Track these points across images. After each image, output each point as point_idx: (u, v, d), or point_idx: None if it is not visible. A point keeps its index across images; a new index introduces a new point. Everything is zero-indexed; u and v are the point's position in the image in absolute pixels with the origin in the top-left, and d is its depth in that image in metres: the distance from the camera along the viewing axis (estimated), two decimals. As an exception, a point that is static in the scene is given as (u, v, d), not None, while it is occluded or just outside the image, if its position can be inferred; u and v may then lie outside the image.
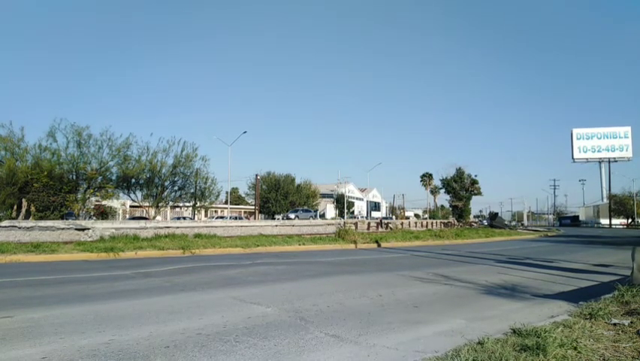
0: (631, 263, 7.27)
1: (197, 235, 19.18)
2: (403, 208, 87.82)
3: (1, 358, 3.83)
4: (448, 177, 51.41)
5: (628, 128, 79.11)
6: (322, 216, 69.87)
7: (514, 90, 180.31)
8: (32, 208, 21.05)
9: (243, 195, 76.59)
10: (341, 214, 66.75)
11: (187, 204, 31.57)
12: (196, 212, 35.06)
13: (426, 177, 76.34)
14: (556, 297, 7.11)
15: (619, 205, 70.32)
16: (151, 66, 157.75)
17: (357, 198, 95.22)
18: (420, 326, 5.13)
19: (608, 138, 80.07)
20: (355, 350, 4.15)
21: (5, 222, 16.77)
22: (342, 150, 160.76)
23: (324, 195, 73.87)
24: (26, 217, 20.59)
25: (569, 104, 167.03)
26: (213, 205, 37.65)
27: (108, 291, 7.35)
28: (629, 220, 69.73)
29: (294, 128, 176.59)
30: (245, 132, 41.49)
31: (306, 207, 51.36)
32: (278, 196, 53.18)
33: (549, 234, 36.55)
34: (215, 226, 22.77)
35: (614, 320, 4.91)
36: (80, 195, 23.65)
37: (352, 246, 18.90)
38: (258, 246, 16.44)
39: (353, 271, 10.61)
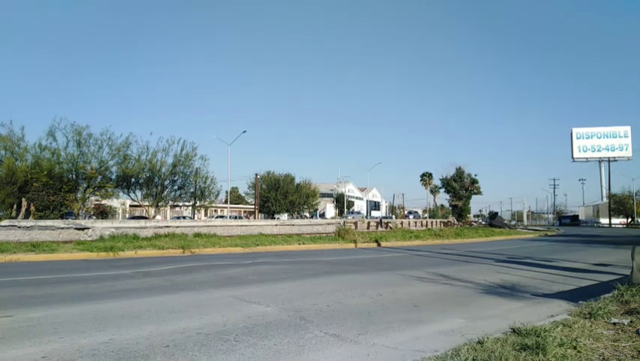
0: (630, 262, 7.26)
1: (197, 235, 19.16)
2: (403, 208, 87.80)
3: (1, 357, 3.83)
4: (448, 177, 51.37)
5: (628, 128, 79.16)
6: (322, 215, 69.92)
7: (514, 89, 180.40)
8: (32, 208, 21.05)
9: (243, 195, 76.57)
10: (341, 214, 66.82)
11: (187, 203, 31.59)
12: (196, 211, 35.10)
13: (426, 177, 76.33)
14: (556, 296, 7.11)
15: (619, 205, 70.25)
16: (151, 66, 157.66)
17: (357, 198, 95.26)
18: (420, 325, 5.13)
19: (607, 137, 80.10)
20: (355, 349, 4.15)
21: (5, 222, 16.77)
22: (342, 149, 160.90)
23: (323, 195, 73.81)
24: (26, 217, 20.58)
25: (569, 104, 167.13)
26: (213, 205, 37.65)
27: (108, 290, 7.35)
28: (629, 220, 69.69)
29: (293, 127, 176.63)
30: (244, 132, 41.51)
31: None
32: (278, 196, 53.15)
33: (549, 233, 36.54)
34: (215, 226, 22.77)
35: (614, 320, 4.91)
36: (79, 195, 23.67)
37: (352, 245, 18.91)
38: (257, 245, 16.43)
39: (353, 270, 10.61)
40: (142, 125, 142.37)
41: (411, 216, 61.98)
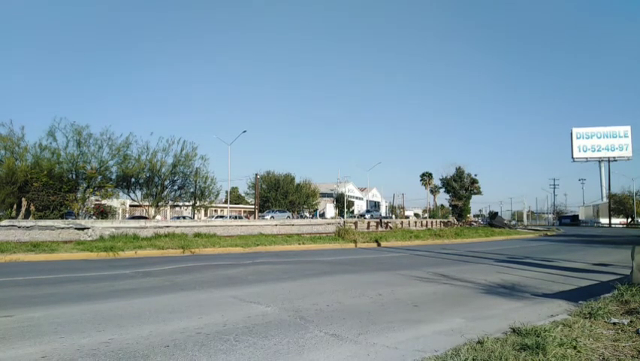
0: (630, 262, 7.26)
1: (197, 235, 19.17)
2: (403, 208, 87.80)
3: (1, 357, 3.83)
4: (448, 177, 51.39)
5: (628, 128, 79.28)
6: (322, 215, 69.91)
7: (514, 89, 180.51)
8: (32, 208, 21.05)
9: (243, 195, 76.60)
10: (341, 213, 66.78)
11: (187, 203, 31.56)
12: (196, 211, 35.04)
13: (426, 177, 76.44)
14: (556, 296, 7.11)
15: (618, 204, 70.26)
16: (151, 66, 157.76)
17: (356, 198, 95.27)
18: (420, 325, 5.13)
19: (607, 137, 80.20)
20: (355, 349, 4.15)
21: (5, 222, 16.77)
22: (342, 149, 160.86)
23: (323, 195, 73.88)
24: (26, 217, 20.58)
25: (569, 104, 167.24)
26: (213, 205, 37.63)
27: (108, 290, 7.35)
28: (629, 219, 69.68)
29: (293, 127, 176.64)
30: (244, 132, 41.47)
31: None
32: (277, 195, 53.21)
33: (549, 233, 36.54)
34: (215, 226, 22.77)
35: (614, 319, 4.92)
36: (79, 195, 23.65)
37: (352, 245, 18.91)
38: (257, 245, 16.43)
39: (353, 270, 10.61)
40: (142, 125, 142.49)
41: (367, 216, 56.20)
